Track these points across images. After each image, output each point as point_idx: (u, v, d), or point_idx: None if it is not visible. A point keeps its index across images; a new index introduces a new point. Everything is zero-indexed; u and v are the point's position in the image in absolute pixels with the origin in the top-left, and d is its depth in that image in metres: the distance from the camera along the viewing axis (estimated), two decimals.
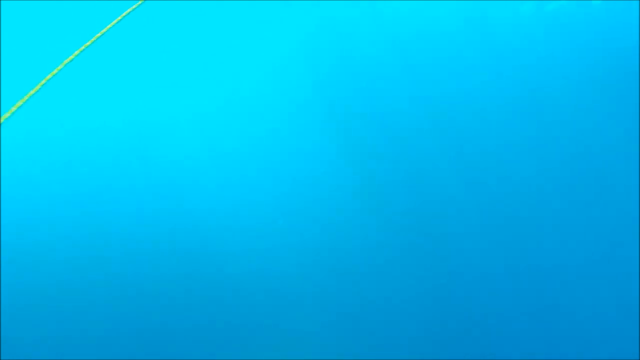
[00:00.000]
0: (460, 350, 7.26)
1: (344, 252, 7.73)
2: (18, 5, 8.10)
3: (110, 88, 8.40)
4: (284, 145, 8.25)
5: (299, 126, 8.21)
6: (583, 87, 7.18)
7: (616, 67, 7.04)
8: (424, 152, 7.68)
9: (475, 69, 7.39)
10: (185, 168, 8.41)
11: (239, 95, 8.35)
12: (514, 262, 7.28)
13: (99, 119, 8.39)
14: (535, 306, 7.29)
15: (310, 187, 8.14)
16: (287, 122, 8.21)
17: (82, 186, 8.45)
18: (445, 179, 7.59)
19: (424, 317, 7.53)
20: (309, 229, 7.92)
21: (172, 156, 8.42)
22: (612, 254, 7.07)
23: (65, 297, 8.64)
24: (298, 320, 7.77)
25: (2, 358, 8.42)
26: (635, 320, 6.70)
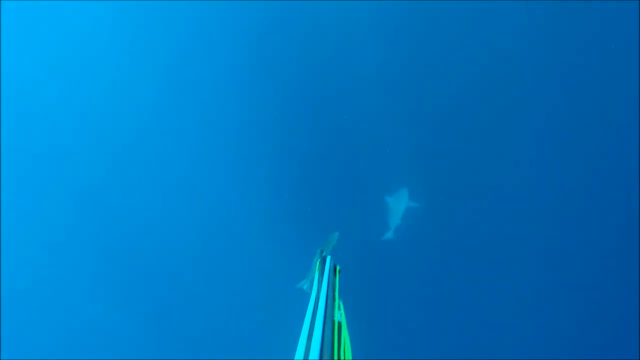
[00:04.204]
0: (459, 351, 7.25)
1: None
2: (18, 5, 8.10)
3: None
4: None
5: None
6: (582, 87, 7.16)
7: (616, 67, 7.03)
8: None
9: (472, 69, 7.37)
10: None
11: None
12: (513, 261, 7.27)
13: None
14: (535, 306, 7.28)
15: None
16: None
17: None
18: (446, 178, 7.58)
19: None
20: None
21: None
22: (612, 255, 7.06)
23: (66, 297, 8.65)
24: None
25: (2, 358, 8.42)
26: (636, 320, 6.69)
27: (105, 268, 8.56)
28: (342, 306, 1.52)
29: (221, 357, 7.95)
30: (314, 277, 1.84)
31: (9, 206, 8.65)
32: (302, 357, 1.20)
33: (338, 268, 1.84)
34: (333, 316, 1.41)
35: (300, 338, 1.30)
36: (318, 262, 1.89)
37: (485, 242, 7.35)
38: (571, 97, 7.14)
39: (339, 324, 1.40)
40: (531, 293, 7.20)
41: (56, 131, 8.46)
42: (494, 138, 7.38)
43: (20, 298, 8.64)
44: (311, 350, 1.20)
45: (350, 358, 1.28)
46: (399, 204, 6.88)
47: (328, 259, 1.85)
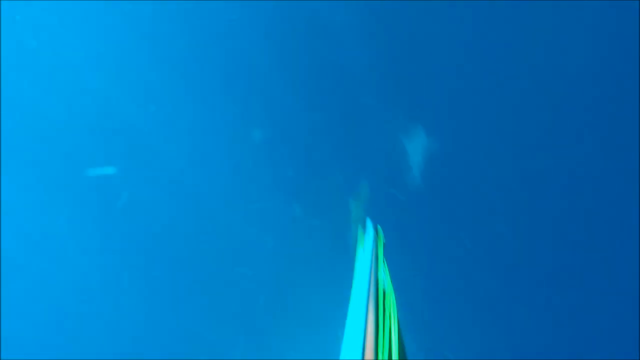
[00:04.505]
0: (456, 350, 7.25)
1: None
2: (18, 5, 8.10)
3: None
4: None
5: None
6: (582, 87, 7.17)
7: (616, 67, 7.03)
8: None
9: (471, 68, 7.37)
10: None
11: None
12: (512, 261, 7.27)
13: None
14: (534, 306, 7.29)
15: None
16: None
17: None
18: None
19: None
20: None
21: None
22: (612, 255, 7.06)
23: (65, 297, 8.65)
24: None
25: (2, 358, 8.42)
26: (636, 320, 6.70)
27: (106, 268, 8.57)
28: (386, 267, 1.60)
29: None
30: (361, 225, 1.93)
31: (9, 206, 8.64)
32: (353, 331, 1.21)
33: (380, 229, 1.92)
34: (377, 277, 1.48)
35: (350, 305, 1.31)
36: (359, 227, 1.96)
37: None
38: (569, 98, 7.15)
39: (384, 292, 1.46)
40: (533, 289, 7.20)
41: (56, 131, 8.46)
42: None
43: (20, 298, 8.64)
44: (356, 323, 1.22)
45: (397, 321, 1.34)
46: (416, 142, 6.56)
47: (368, 221, 1.93)
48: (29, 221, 8.67)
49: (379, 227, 1.88)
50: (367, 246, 1.65)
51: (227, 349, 7.90)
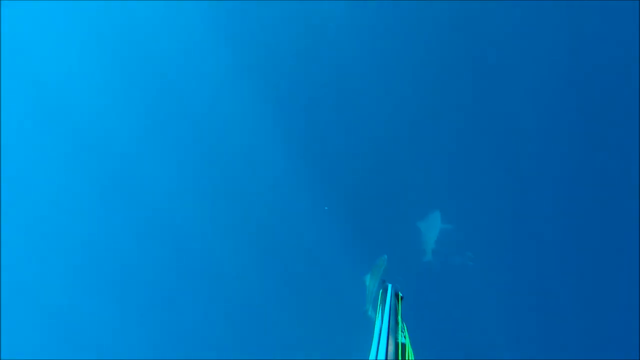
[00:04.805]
0: (455, 351, 7.26)
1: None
2: (18, 5, 8.10)
3: None
4: None
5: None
6: (583, 87, 7.17)
7: (616, 67, 7.03)
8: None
9: (471, 69, 7.38)
10: None
11: None
12: (513, 262, 7.28)
13: None
14: (535, 306, 7.29)
15: None
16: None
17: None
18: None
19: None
20: None
21: None
22: (612, 254, 7.07)
23: (67, 297, 8.65)
24: None
25: (2, 358, 8.42)
26: (636, 320, 6.70)
27: (107, 268, 8.57)
28: (405, 329, 1.71)
29: None
30: (376, 302, 2.01)
31: (9, 205, 8.65)
32: None
33: (400, 295, 2.00)
34: (397, 338, 1.60)
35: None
36: (381, 291, 2.03)
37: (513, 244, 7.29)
38: (570, 99, 7.16)
39: (403, 345, 1.58)
40: (530, 293, 7.21)
41: (57, 131, 8.46)
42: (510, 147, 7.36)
43: (20, 298, 8.64)
44: None
45: None
46: (432, 228, 6.88)
47: (389, 286, 1.99)
48: (28, 221, 8.67)
49: (399, 293, 1.99)
50: (386, 307, 1.78)
51: None
